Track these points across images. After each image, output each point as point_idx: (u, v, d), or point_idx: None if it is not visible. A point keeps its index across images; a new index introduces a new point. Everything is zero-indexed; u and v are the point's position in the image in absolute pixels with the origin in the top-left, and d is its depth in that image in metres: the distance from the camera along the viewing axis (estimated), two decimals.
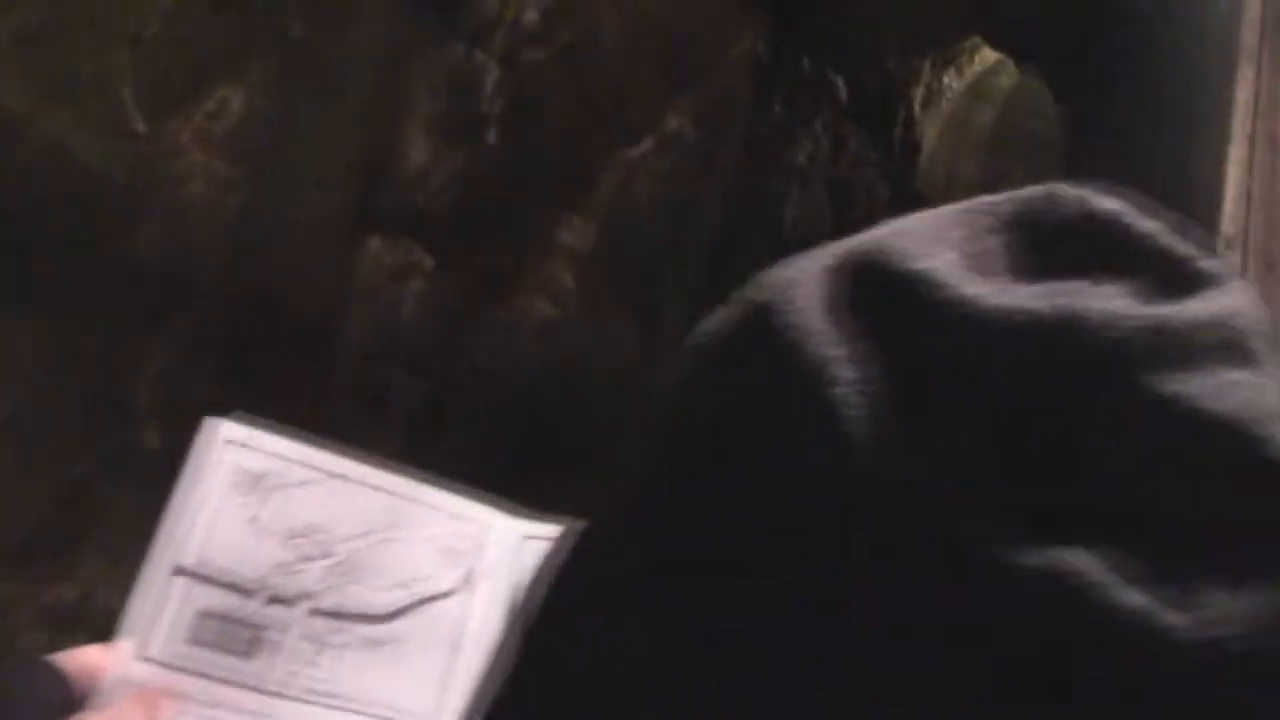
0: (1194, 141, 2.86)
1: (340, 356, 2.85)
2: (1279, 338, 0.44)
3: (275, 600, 0.87)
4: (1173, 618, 0.38)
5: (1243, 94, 2.51)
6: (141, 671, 0.83)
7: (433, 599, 0.89)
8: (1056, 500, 0.40)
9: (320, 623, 0.88)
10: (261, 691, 0.86)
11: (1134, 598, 0.38)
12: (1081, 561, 0.39)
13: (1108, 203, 0.46)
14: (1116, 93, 3.76)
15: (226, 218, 2.53)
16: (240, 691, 0.85)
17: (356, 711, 0.87)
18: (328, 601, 0.88)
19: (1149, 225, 0.45)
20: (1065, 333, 0.41)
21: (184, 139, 2.45)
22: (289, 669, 0.87)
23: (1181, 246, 0.45)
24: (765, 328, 0.44)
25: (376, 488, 0.90)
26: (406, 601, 0.89)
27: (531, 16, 3.21)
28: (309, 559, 0.88)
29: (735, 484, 0.43)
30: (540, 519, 0.90)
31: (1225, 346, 0.42)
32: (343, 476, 0.89)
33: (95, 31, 2.26)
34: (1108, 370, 0.41)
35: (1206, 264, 0.45)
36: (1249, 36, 2.65)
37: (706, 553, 0.43)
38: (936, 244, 0.45)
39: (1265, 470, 0.40)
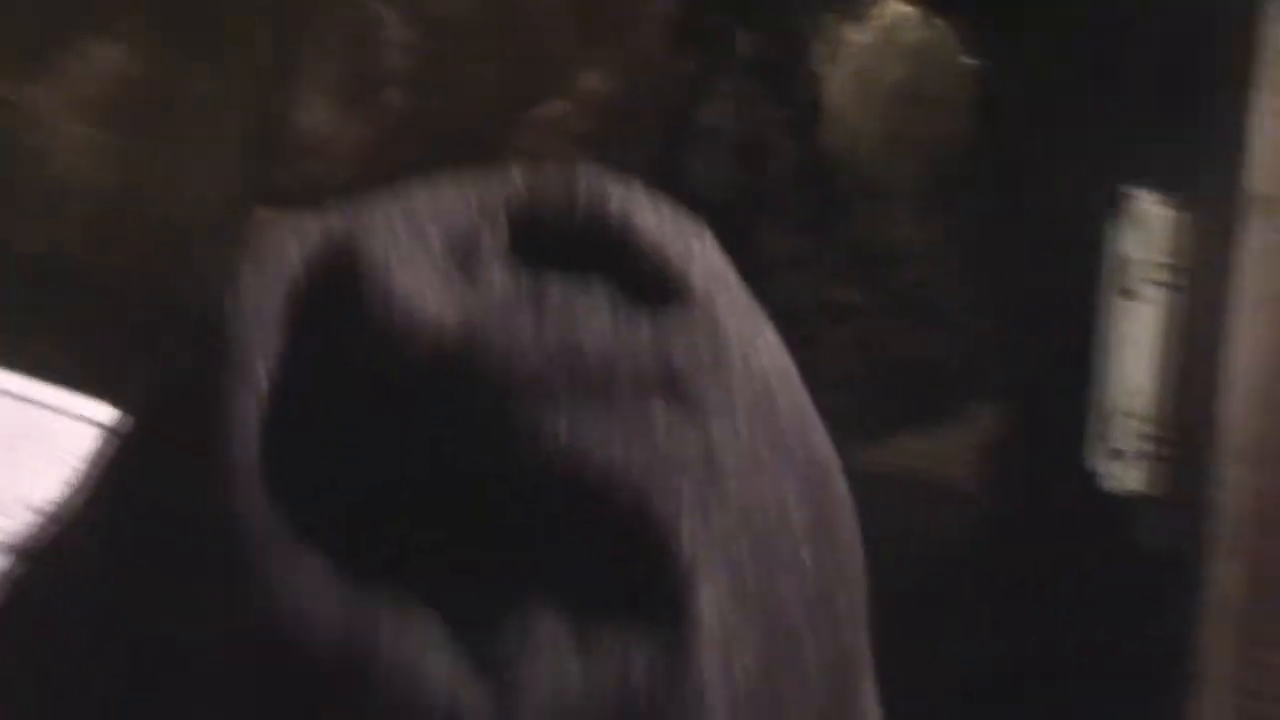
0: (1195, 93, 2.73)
1: None
2: (748, 378, 0.42)
3: None
4: (471, 693, 0.37)
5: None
6: None
7: None
8: (380, 549, 0.38)
9: None
10: None
11: (442, 672, 0.37)
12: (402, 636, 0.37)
13: (620, 192, 0.44)
14: (1044, 43, 3.69)
15: (99, 197, 2.47)
16: None
17: None
18: None
19: (651, 220, 0.43)
20: (467, 356, 0.39)
21: (47, 104, 2.38)
22: None
23: (678, 250, 0.43)
24: (224, 295, 0.41)
25: (5, 393, 0.88)
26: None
27: None
28: None
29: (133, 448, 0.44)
30: None
31: (652, 381, 0.40)
32: None
33: None
34: (493, 405, 0.38)
35: (696, 276, 0.42)
36: None
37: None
38: (430, 219, 0.42)
39: (625, 523, 0.38)
